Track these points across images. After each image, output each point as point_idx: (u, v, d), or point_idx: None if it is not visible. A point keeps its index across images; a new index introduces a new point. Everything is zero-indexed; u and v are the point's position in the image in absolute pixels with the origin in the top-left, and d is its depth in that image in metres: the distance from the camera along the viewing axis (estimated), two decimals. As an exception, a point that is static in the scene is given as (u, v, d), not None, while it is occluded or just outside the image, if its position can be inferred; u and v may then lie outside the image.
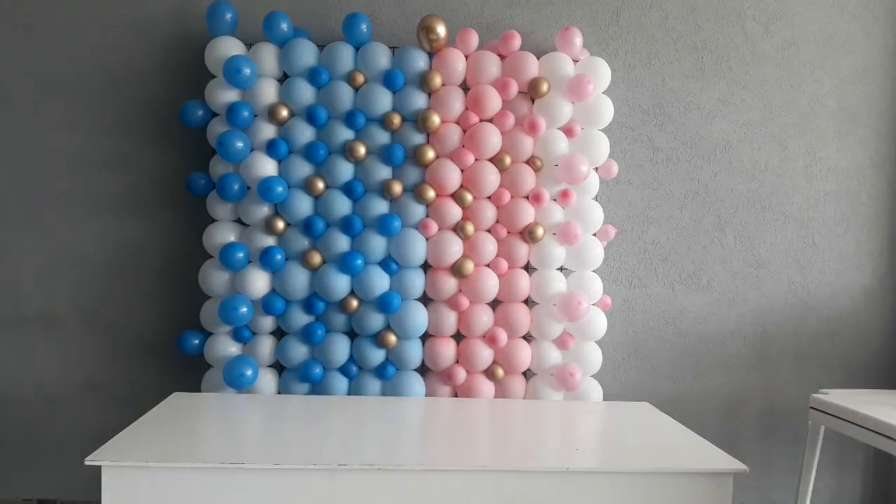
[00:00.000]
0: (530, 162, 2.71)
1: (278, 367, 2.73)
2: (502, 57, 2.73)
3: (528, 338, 2.76)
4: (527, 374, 2.77)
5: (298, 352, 2.63)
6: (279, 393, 2.66)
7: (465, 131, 2.68)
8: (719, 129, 2.92)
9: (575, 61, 2.74)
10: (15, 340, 2.81)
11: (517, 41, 2.70)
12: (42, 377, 2.81)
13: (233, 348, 2.64)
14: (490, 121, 2.69)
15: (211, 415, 2.22)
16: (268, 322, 2.66)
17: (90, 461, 1.68)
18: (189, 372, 2.76)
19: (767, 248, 2.96)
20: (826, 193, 2.97)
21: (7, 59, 2.77)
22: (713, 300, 2.95)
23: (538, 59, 2.72)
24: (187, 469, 1.64)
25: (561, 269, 2.77)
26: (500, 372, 2.68)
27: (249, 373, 2.54)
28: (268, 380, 2.64)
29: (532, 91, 2.67)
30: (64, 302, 2.81)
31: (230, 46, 2.62)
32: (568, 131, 2.72)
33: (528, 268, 2.76)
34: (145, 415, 2.12)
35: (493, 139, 2.65)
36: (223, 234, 2.65)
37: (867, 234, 2.98)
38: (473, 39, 2.69)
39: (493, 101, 2.65)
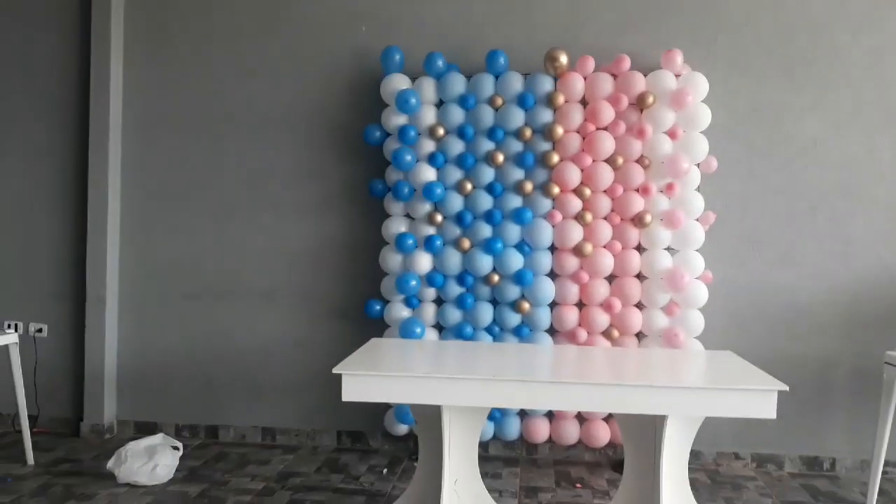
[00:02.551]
0: (639, 161, 3.28)
1: (439, 327, 3.48)
2: (615, 76, 3.32)
3: (639, 306, 3.33)
4: (639, 336, 3.34)
5: (454, 315, 3.38)
6: (440, 348, 3.40)
7: (584, 138, 3.30)
8: (810, 128, 3.34)
9: (677, 76, 3.28)
10: (244, 310, 3.75)
11: (627, 63, 3.29)
12: (263, 336, 3.74)
13: (405, 312, 3.42)
14: (605, 129, 3.29)
15: (403, 349, 2.92)
16: (431, 292, 3.43)
17: (336, 370, 2.30)
18: (373, 331, 3.52)
19: (856, 229, 3.34)
20: (912, 180, 3.32)
21: (236, 98, 3.73)
22: (805, 275, 3.36)
23: (645, 76, 3.29)
24: (403, 377, 2.31)
25: (667, 248, 3.31)
26: (615, 333, 3.28)
27: (419, 331, 3.31)
28: (432, 337, 3.41)
29: (640, 103, 3.25)
30: (278, 281, 3.72)
31: (399, 81, 3.41)
32: (671, 135, 3.27)
33: (639, 248, 3.33)
34: (358, 349, 2.72)
35: (607, 144, 3.25)
36: (396, 226, 3.44)
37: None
38: (590, 63, 3.31)
39: (607, 113, 3.26)
